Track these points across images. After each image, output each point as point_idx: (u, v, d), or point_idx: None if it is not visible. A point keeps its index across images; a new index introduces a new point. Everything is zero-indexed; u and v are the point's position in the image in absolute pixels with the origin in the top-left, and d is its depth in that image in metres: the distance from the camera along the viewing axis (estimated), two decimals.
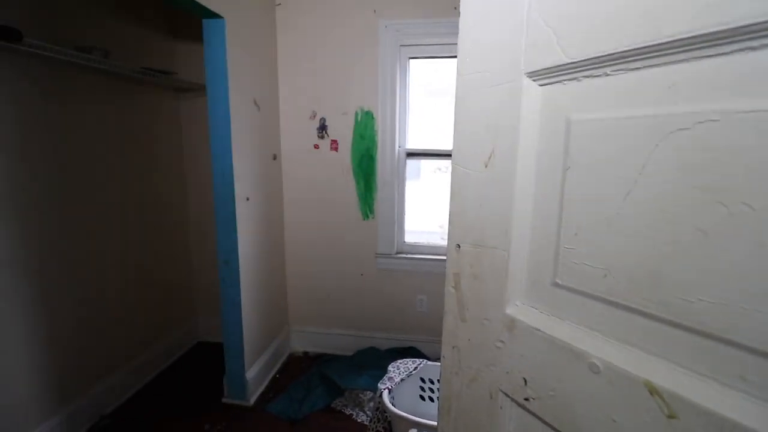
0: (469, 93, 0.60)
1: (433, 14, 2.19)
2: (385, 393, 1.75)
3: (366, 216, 2.47)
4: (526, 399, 0.55)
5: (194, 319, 2.76)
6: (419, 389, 2.00)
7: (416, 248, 2.53)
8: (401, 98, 2.36)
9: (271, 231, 2.35)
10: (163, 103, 2.38)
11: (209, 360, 2.53)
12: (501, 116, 0.54)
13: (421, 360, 2.01)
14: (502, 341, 0.58)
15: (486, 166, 0.58)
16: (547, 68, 0.48)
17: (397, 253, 2.51)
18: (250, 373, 2.13)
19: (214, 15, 1.72)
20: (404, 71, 2.34)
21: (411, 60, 2.36)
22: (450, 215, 0.66)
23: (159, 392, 2.23)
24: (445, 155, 2.45)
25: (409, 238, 2.55)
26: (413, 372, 1.96)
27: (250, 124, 2.05)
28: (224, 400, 2.15)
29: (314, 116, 2.40)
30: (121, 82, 2.05)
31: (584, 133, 0.46)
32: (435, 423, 1.61)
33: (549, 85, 0.50)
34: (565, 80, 0.48)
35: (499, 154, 0.55)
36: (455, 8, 2.18)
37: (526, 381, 0.55)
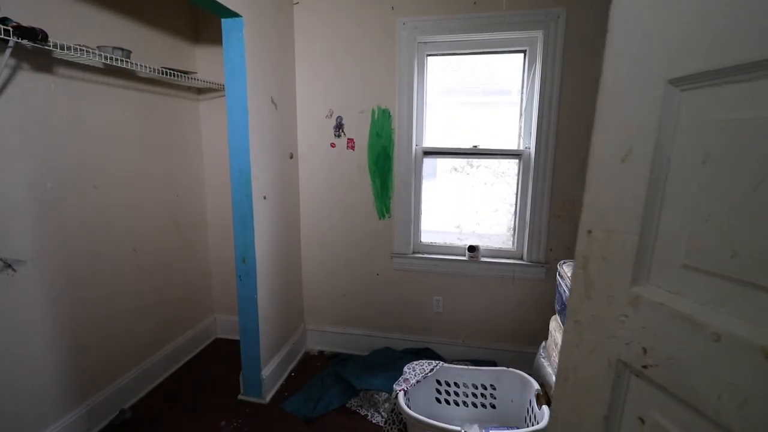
0: (613, 98, 0.70)
1: (451, 10, 2.16)
2: (401, 395, 1.73)
3: (382, 215, 2.45)
4: (644, 366, 0.63)
5: (213, 316, 2.79)
6: (435, 391, 1.97)
7: (433, 248, 2.49)
8: (419, 96, 2.33)
9: (287, 229, 2.36)
10: (183, 103, 2.41)
11: (227, 356, 2.56)
12: (642, 118, 0.64)
13: (437, 362, 1.98)
14: (625, 315, 0.66)
15: (623, 161, 0.66)
16: (690, 75, 0.57)
17: (414, 252, 2.48)
18: (266, 371, 2.14)
19: (233, 14, 1.73)
20: (422, 68, 2.31)
21: (429, 57, 2.32)
22: (585, 204, 0.75)
23: (177, 388, 2.26)
24: (463, 154, 2.41)
25: (425, 238, 2.52)
26: (429, 374, 1.93)
27: (267, 122, 2.06)
28: (240, 397, 2.16)
29: (331, 115, 2.40)
30: (142, 84, 2.09)
31: (722, 130, 0.55)
32: (452, 427, 1.59)
33: (691, 90, 0.58)
34: (706, 86, 0.56)
35: (637, 151, 0.64)
36: (474, 3, 2.16)
37: (645, 350, 0.63)
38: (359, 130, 2.38)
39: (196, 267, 2.60)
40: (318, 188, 2.50)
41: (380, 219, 2.45)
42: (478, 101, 2.52)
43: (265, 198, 2.02)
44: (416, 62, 2.26)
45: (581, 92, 2.11)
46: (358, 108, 2.36)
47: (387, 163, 2.38)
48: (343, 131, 2.40)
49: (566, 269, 1.91)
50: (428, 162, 2.46)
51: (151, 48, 2.14)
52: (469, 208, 2.52)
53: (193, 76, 2.22)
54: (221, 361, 2.53)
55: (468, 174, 2.53)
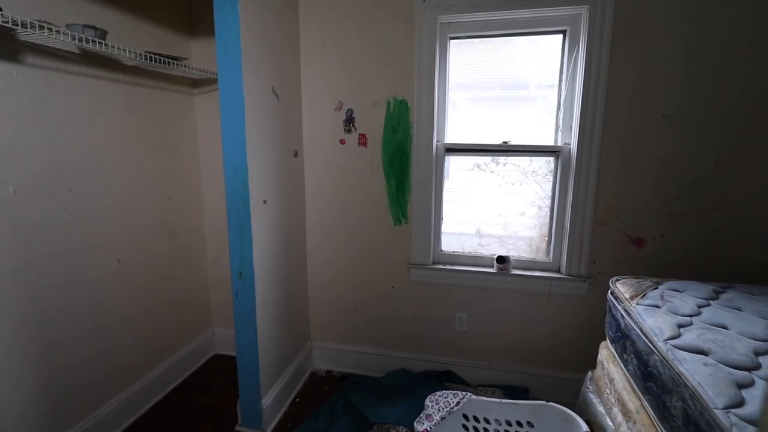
0: None
1: None
2: None
3: (398, 221, 2.16)
4: None
5: (211, 330, 2.54)
6: (462, 428, 1.68)
7: (455, 258, 2.20)
8: (440, 84, 2.03)
9: (291, 237, 2.09)
10: (176, 98, 2.16)
11: (225, 375, 2.30)
12: None
13: (464, 393, 1.69)
14: None
15: None
16: None
17: (434, 263, 2.19)
18: (267, 400, 1.87)
19: None
20: (444, 52, 2.02)
21: (452, 41, 2.03)
22: None
23: (167, 416, 2.00)
24: (491, 151, 2.11)
25: (445, 247, 2.23)
26: (455, 408, 1.64)
27: (268, 115, 1.79)
28: (238, 428, 1.90)
29: (340, 107, 2.12)
30: (127, 74, 1.83)
31: None
32: None
33: None
34: None
35: None
36: None
37: None
38: (372, 124, 2.10)
39: (191, 277, 2.35)
40: (326, 190, 2.22)
41: (396, 225, 2.17)
42: (501, 96, 2.22)
43: (265, 202, 1.75)
44: (438, 46, 1.97)
45: (634, 78, 1.80)
46: (371, 99, 2.07)
47: (404, 161, 2.09)
48: (354, 126, 2.12)
49: (622, 288, 1.60)
50: (447, 159, 2.16)
51: (139, 38, 1.88)
52: (493, 210, 2.22)
53: (184, 63, 1.96)
54: (219, 381, 2.27)
55: (493, 172, 2.23)
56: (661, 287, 1.57)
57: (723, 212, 1.83)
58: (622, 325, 1.49)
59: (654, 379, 1.21)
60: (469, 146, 2.11)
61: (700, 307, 1.39)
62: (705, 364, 1.08)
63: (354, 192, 2.18)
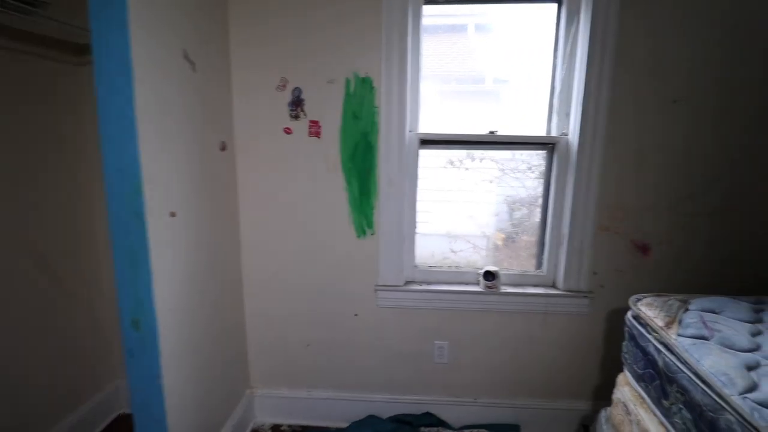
0: None
1: None
2: None
3: (362, 232, 1.71)
4: None
5: (115, 382, 1.91)
6: None
7: (433, 275, 1.80)
8: (413, 60, 1.61)
9: (217, 260, 1.55)
10: (48, 69, 1.53)
11: None
12: None
13: None
14: None
15: None
16: None
17: (407, 283, 1.77)
18: None
19: None
20: (417, 19, 1.60)
21: (426, 5, 1.62)
22: None
23: None
24: (474, 143, 1.73)
25: (417, 258, 1.82)
26: None
27: (176, 90, 1.25)
28: None
29: (284, 86, 1.62)
30: None
31: None
32: None
33: None
34: None
35: None
36: None
37: None
38: (327, 108, 1.62)
39: (82, 315, 1.72)
40: (266, 195, 1.71)
41: (359, 237, 1.72)
42: (472, 90, 1.86)
43: (173, 215, 1.21)
44: (410, 11, 1.55)
45: (645, 56, 1.50)
46: (325, 76, 1.60)
47: (369, 156, 1.64)
48: (303, 110, 1.63)
49: (649, 312, 1.28)
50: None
51: None
52: (469, 213, 1.85)
53: (45, 11, 1.35)
54: None
55: (468, 169, 1.86)
56: (692, 307, 1.27)
57: (735, 213, 1.60)
58: (660, 363, 1.16)
59: None
60: (450, 137, 1.71)
61: (753, 335, 1.10)
62: None
63: (304, 196, 1.70)
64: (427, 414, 1.83)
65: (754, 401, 0.87)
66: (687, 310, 1.26)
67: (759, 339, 1.08)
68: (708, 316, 1.21)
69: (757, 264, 1.63)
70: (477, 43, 1.83)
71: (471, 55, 1.86)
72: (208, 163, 1.46)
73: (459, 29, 1.85)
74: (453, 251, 1.90)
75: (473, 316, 1.75)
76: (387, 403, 1.84)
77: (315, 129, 1.64)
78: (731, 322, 1.17)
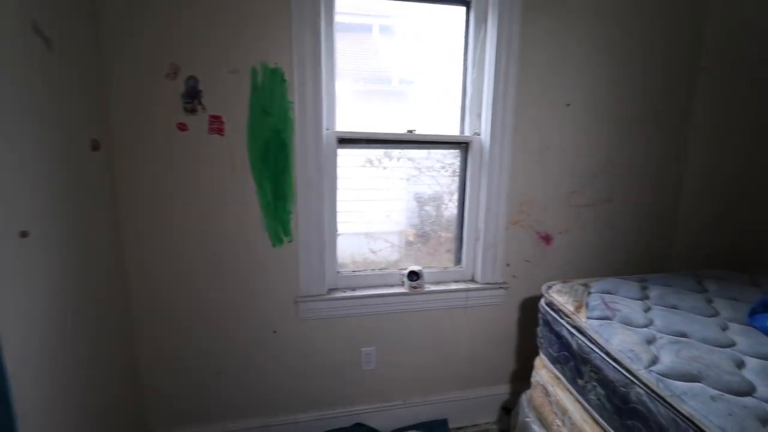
0: None
1: None
2: None
3: (278, 240, 1.55)
4: None
5: None
6: None
7: (357, 280, 1.72)
8: (327, 50, 1.51)
9: (91, 288, 1.25)
10: None
11: None
12: None
13: None
14: None
15: None
16: None
17: (331, 291, 1.66)
18: None
19: None
20: (330, 7, 1.49)
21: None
22: None
23: None
24: (392, 142, 1.70)
25: (341, 259, 1.73)
26: None
27: (22, 74, 0.95)
28: None
29: (175, 74, 1.37)
30: None
31: None
32: None
33: None
34: None
35: None
36: None
37: None
38: (231, 101, 1.42)
39: None
40: (157, 203, 1.44)
41: (275, 246, 1.55)
42: (382, 90, 1.84)
43: (25, 236, 0.92)
44: None
45: (544, 60, 1.63)
46: (227, 64, 1.40)
47: (283, 156, 1.49)
48: (200, 103, 1.40)
49: (559, 298, 1.39)
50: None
51: None
52: (386, 212, 1.83)
53: None
54: None
55: (386, 168, 1.83)
56: (592, 290, 1.42)
57: (613, 203, 1.84)
58: (574, 345, 1.26)
59: (640, 418, 0.98)
60: (368, 136, 1.64)
61: (645, 311, 1.26)
62: (713, 398, 0.88)
63: (206, 204, 1.47)
64: (358, 425, 1.76)
65: (658, 373, 0.98)
66: (590, 293, 1.40)
67: (650, 314, 1.24)
68: (607, 297, 1.35)
69: (631, 246, 1.90)
70: (383, 43, 1.81)
71: (377, 55, 1.83)
72: (75, 167, 1.16)
73: (365, 29, 1.80)
74: (372, 251, 1.85)
75: (399, 318, 1.73)
76: (316, 421, 1.72)
77: (217, 125, 1.43)
78: (627, 301, 1.33)
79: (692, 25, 1.75)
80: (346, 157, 1.68)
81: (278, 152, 1.48)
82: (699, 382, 0.94)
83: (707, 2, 1.75)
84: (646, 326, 1.18)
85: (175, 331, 1.53)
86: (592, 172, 1.79)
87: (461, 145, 1.74)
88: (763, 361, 1.00)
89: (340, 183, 1.65)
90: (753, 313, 1.19)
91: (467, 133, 1.73)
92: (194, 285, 1.51)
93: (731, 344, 1.07)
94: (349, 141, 1.62)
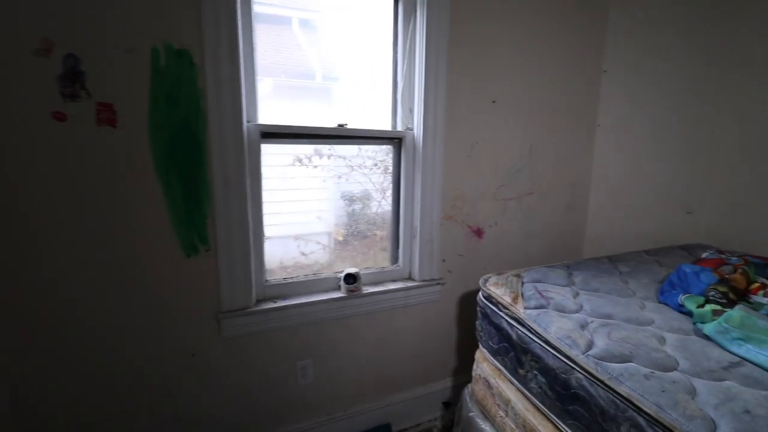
0: None
1: None
2: None
3: (192, 249, 1.34)
4: None
5: None
6: None
7: (288, 288, 1.57)
8: (246, 34, 1.34)
9: None
10: None
11: None
12: None
13: None
14: None
15: None
16: None
17: (259, 303, 1.49)
18: None
19: None
20: None
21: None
22: None
23: None
24: (322, 137, 1.58)
25: (269, 265, 1.57)
26: None
27: None
28: None
29: (48, 50, 1.10)
30: None
31: None
32: None
33: None
34: None
35: None
36: None
37: None
38: (126, 87, 1.19)
39: None
40: (32, 210, 1.15)
41: (189, 256, 1.34)
42: (302, 86, 1.73)
43: None
44: None
45: (470, 60, 1.64)
46: (118, 42, 1.16)
47: (195, 152, 1.29)
48: (84, 87, 1.15)
49: (496, 290, 1.40)
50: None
51: None
52: (318, 211, 1.73)
53: None
54: None
55: (317, 167, 1.72)
56: (525, 280, 1.46)
57: (535, 195, 1.94)
58: (514, 336, 1.27)
59: (581, 402, 1.01)
60: (296, 130, 1.50)
61: (575, 297, 1.32)
62: (646, 377, 0.92)
63: (98, 210, 1.21)
64: None
65: (595, 357, 1.01)
66: (523, 283, 1.44)
67: (579, 300, 1.30)
68: (540, 286, 1.39)
69: (551, 236, 2.02)
70: (304, 37, 1.69)
71: (299, 49, 1.70)
72: None
73: (285, 21, 1.66)
74: (304, 254, 1.71)
75: (337, 324, 1.62)
76: None
77: (107, 115, 1.18)
78: (557, 288, 1.38)
79: (599, 31, 1.91)
80: (272, 155, 1.53)
81: (189, 147, 1.28)
82: (631, 362, 0.99)
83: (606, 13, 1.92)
84: (577, 312, 1.22)
85: (63, 361, 1.24)
86: (517, 166, 1.86)
87: (394, 140, 1.69)
88: (679, 335, 1.09)
89: (267, 183, 1.49)
90: (662, 292, 1.31)
91: (400, 128, 1.69)
92: (89, 308, 1.24)
93: (650, 322, 1.16)
94: (274, 135, 1.47)
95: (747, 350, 0.97)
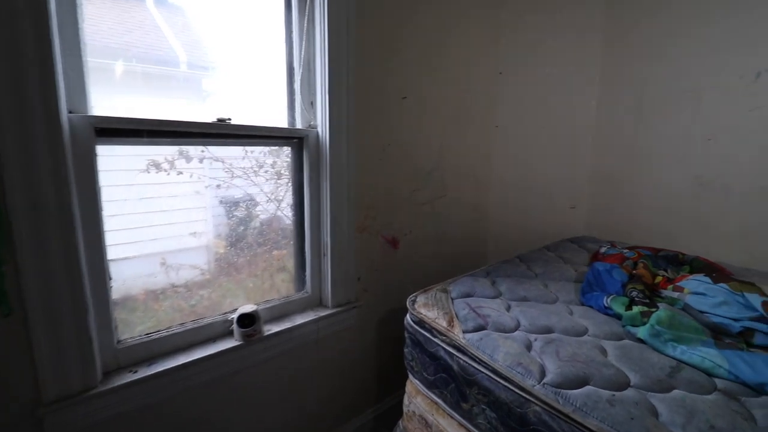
0: None
1: None
2: None
3: None
4: None
5: None
6: None
7: (157, 345, 1.13)
8: None
9: None
10: None
11: None
12: None
13: None
14: None
15: None
16: None
17: (108, 375, 1.03)
18: None
19: None
20: None
21: None
22: None
23: None
24: (195, 135, 1.18)
25: (123, 321, 1.11)
26: None
27: None
28: None
29: None
30: None
31: None
32: None
33: None
34: None
35: None
36: None
37: None
38: None
39: None
40: None
41: None
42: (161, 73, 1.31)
43: None
44: None
45: (379, 47, 1.43)
46: None
47: None
48: None
49: (428, 313, 1.23)
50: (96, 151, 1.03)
51: None
52: (195, 231, 1.33)
53: None
54: None
55: (182, 173, 1.31)
56: (453, 295, 1.32)
57: (446, 199, 1.85)
58: (455, 367, 1.11)
59: None
60: (152, 126, 1.07)
61: (508, 310, 1.23)
62: (610, 403, 0.84)
63: None
64: None
65: (552, 385, 0.90)
66: (452, 299, 1.29)
67: (513, 313, 1.20)
68: (472, 302, 1.27)
69: (461, 240, 1.96)
70: (162, 17, 1.25)
71: (156, 29, 1.26)
72: None
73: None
74: (175, 288, 1.27)
75: (233, 381, 1.24)
76: None
77: None
78: (488, 302, 1.27)
79: (495, 30, 1.90)
80: (119, 158, 1.07)
81: None
82: (588, 383, 0.90)
83: None
84: (516, 329, 1.12)
85: None
86: (428, 169, 1.73)
87: (293, 140, 1.38)
88: (615, 342, 1.06)
89: (111, 194, 1.03)
90: (583, 293, 1.30)
91: (300, 125, 1.38)
92: None
93: (585, 331, 1.12)
94: (117, 133, 1.02)
95: (681, 351, 0.98)
